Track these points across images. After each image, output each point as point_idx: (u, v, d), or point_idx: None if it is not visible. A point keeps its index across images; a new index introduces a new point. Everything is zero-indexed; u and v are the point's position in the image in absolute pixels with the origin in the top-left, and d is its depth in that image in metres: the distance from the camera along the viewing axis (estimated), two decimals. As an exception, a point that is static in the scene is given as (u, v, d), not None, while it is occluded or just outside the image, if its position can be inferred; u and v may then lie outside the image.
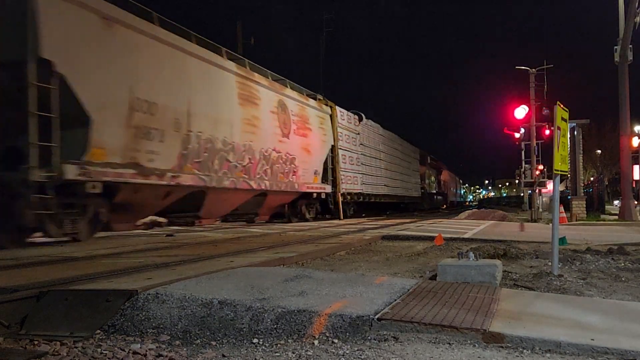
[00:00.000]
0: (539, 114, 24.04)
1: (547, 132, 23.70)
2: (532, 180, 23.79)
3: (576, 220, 18.86)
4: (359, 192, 23.89)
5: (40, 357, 3.05)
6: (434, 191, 48.57)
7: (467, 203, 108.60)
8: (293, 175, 16.78)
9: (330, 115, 20.55)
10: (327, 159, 19.81)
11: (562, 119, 5.73)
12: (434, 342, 3.08)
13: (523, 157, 25.38)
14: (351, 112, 23.84)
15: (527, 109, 22.56)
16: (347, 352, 2.99)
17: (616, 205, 33.37)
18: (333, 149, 20.49)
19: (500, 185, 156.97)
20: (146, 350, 3.12)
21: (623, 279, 5.45)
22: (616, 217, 20.84)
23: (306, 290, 3.95)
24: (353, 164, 23.21)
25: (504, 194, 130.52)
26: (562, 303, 3.99)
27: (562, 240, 7.86)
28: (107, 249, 8.06)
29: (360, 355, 2.94)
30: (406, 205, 36.34)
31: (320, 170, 19.11)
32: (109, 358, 3.03)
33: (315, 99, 19.61)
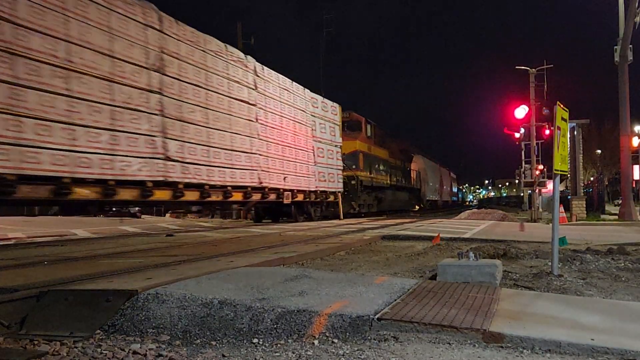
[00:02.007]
0: (539, 114, 24.05)
1: (547, 132, 23.72)
2: (532, 180, 23.80)
3: (576, 220, 18.86)
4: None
5: (40, 357, 3.05)
6: (388, 183, 30.12)
7: (467, 203, 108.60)
8: None
9: None
10: None
11: (562, 119, 5.72)
12: (434, 342, 3.08)
13: (523, 157, 25.40)
14: None
15: (527, 108, 22.55)
16: (347, 352, 2.99)
17: (616, 205, 33.40)
18: None
19: (500, 185, 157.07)
20: (146, 350, 3.12)
21: (623, 279, 5.45)
22: (616, 217, 20.84)
23: (306, 290, 3.95)
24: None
25: (504, 194, 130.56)
26: (562, 303, 3.98)
27: (562, 240, 7.84)
28: (107, 249, 8.07)
29: (360, 355, 2.94)
30: (301, 206, 18.76)
31: None
32: (109, 358, 3.03)
33: None
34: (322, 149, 19.86)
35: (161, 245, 8.72)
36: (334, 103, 21.46)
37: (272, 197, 15.65)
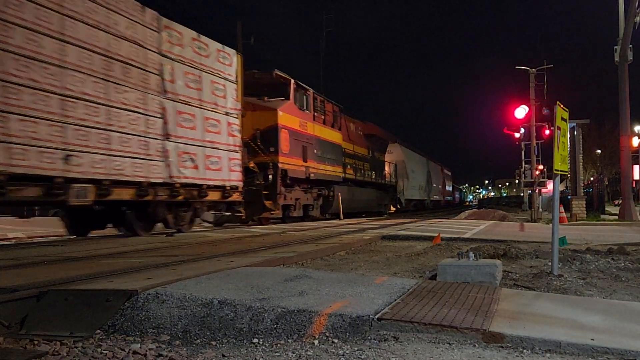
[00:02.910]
0: (539, 114, 24.07)
1: (547, 132, 23.74)
2: (532, 180, 23.82)
3: (576, 220, 18.86)
4: None
5: (40, 357, 3.05)
6: (341, 177, 22.18)
7: (467, 203, 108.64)
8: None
9: None
10: None
11: (562, 119, 5.73)
12: (434, 342, 3.08)
13: (523, 157, 25.43)
14: None
15: (527, 108, 22.61)
16: (347, 352, 2.99)
17: (616, 205, 33.46)
18: None
19: (500, 185, 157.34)
20: (146, 350, 3.12)
21: (623, 279, 5.45)
22: (616, 217, 20.85)
23: (306, 290, 3.95)
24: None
25: (504, 194, 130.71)
26: (562, 303, 3.98)
27: (562, 240, 7.85)
28: (107, 249, 8.06)
29: (360, 355, 2.94)
30: (144, 210, 10.74)
31: None
32: (109, 358, 3.03)
33: None
34: (193, 115, 11.66)
35: (161, 245, 8.71)
36: (227, 48, 13.12)
37: (31, 193, 8.00)
